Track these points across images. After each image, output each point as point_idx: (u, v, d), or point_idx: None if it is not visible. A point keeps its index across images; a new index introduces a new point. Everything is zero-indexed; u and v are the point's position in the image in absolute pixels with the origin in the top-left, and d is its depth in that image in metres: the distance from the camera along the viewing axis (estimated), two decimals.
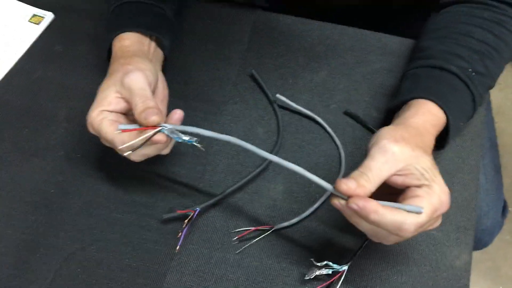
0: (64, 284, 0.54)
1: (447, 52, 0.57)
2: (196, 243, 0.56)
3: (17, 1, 0.76)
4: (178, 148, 0.61)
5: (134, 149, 0.49)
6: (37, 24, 0.73)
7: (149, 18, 0.62)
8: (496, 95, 1.52)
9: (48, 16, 0.74)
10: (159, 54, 0.63)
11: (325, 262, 0.51)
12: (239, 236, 0.56)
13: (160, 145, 0.51)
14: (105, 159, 0.61)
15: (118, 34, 0.59)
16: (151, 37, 0.61)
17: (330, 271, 0.51)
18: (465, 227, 0.56)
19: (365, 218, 0.44)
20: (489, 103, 0.78)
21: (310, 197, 0.58)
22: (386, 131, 0.49)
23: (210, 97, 0.66)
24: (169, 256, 0.55)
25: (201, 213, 0.57)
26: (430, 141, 0.51)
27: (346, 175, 0.47)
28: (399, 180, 0.47)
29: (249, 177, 0.59)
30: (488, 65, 0.57)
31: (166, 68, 0.64)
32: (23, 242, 0.56)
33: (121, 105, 0.52)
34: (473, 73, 0.56)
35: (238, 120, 0.64)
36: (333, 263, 0.51)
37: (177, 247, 0.55)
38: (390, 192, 0.48)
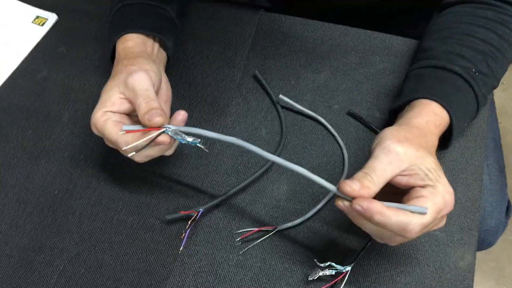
0: (68, 285, 0.54)
1: (450, 52, 0.57)
2: (199, 244, 0.56)
3: (21, 3, 0.76)
4: (182, 149, 0.61)
5: (138, 150, 0.49)
6: (41, 25, 0.73)
7: (152, 20, 0.62)
8: (499, 95, 1.51)
9: (52, 18, 0.74)
10: (163, 55, 0.63)
11: (329, 263, 0.51)
12: (242, 236, 0.56)
13: (164, 146, 0.51)
14: (109, 160, 0.61)
15: (122, 35, 0.59)
16: (154, 39, 0.61)
17: (333, 272, 0.51)
18: (469, 228, 0.56)
19: (370, 219, 0.44)
20: (492, 103, 0.78)
21: (313, 197, 0.58)
22: (389, 131, 0.49)
23: (213, 98, 0.66)
24: (173, 256, 0.55)
25: (204, 214, 0.57)
26: (434, 142, 0.51)
27: (350, 175, 0.47)
28: (403, 181, 0.47)
29: (252, 177, 0.59)
30: (491, 65, 0.57)
31: (170, 70, 0.65)
32: (27, 243, 0.56)
33: (125, 106, 0.52)
34: (477, 73, 0.56)
35: (241, 121, 0.64)
36: (337, 263, 0.51)
37: (181, 248, 0.55)
38: (394, 192, 0.48)
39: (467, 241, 0.56)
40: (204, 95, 0.66)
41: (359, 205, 0.43)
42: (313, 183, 0.46)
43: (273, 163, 0.60)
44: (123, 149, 0.50)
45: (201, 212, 0.56)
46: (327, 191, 0.48)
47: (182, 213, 0.56)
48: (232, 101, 0.66)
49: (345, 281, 0.52)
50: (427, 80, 0.57)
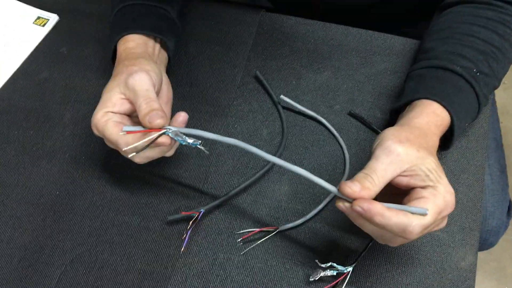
0: (69, 286, 0.54)
1: (451, 52, 0.57)
2: (200, 245, 0.56)
3: (22, 3, 0.76)
4: (182, 150, 0.61)
5: (138, 151, 0.49)
6: (42, 26, 0.73)
7: (153, 20, 0.62)
8: (501, 95, 1.51)
9: (53, 18, 0.74)
10: (164, 56, 0.63)
11: (330, 264, 0.51)
12: (244, 237, 0.56)
13: (164, 147, 0.51)
14: (110, 161, 0.61)
15: (123, 36, 0.59)
16: (155, 39, 0.61)
17: (335, 273, 0.51)
18: (470, 228, 0.56)
19: (370, 220, 0.44)
20: (493, 103, 0.78)
21: (314, 198, 0.58)
22: (390, 132, 0.49)
23: (214, 99, 0.66)
24: (174, 257, 0.55)
25: (205, 214, 0.57)
26: (435, 142, 0.51)
27: (351, 176, 0.47)
28: (404, 181, 0.47)
29: (253, 178, 0.59)
30: (492, 66, 0.56)
31: (172, 71, 0.65)
32: (29, 244, 0.56)
33: (126, 107, 0.52)
34: (478, 73, 0.55)
35: (242, 121, 0.64)
36: (338, 264, 0.51)
37: (182, 249, 0.55)
38: (394, 192, 0.48)
39: (469, 241, 0.55)
40: (205, 96, 0.66)
41: (359, 206, 0.43)
42: (315, 183, 0.46)
43: (274, 164, 0.60)
44: (123, 150, 0.50)
45: (202, 212, 0.56)
46: (329, 192, 0.48)
47: (184, 214, 0.56)
48: (233, 101, 0.66)
49: (346, 281, 0.52)
50: (428, 80, 0.57)
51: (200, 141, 0.49)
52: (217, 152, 0.62)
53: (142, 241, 0.56)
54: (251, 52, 0.70)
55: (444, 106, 0.53)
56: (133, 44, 0.58)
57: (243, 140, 0.48)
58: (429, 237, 0.56)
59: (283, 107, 0.65)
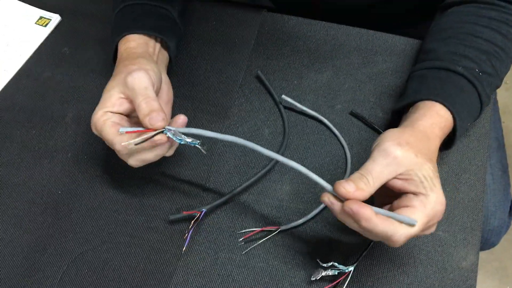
0: (72, 285, 0.54)
1: (453, 53, 0.57)
2: (202, 244, 0.56)
3: (24, 3, 0.76)
4: (184, 150, 0.61)
5: (133, 150, 0.49)
6: (44, 26, 0.74)
7: (154, 20, 0.62)
8: (502, 95, 1.51)
9: (55, 19, 0.74)
10: (165, 56, 0.63)
11: (331, 263, 0.51)
12: (245, 236, 0.56)
13: (160, 150, 0.51)
14: (112, 160, 0.61)
15: (124, 36, 0.59)
16: (156, 39, 0.61)
17: (336, 272, 0.51)
18: (472, 228, 0.56)
19: (357, 222, 0.44)
20: (495, 102, 0.78)
21: (316, 197, 0.58)
22: (391, 133, 0.49)
23: (216, 99, 0.66)
24: (176, 256, 0.55)
25: (207, 214, 0.57)
26: (436, 146, 0.51)
27: None
28: (397, 184, 0.47)
29: (255, 178, 0.59)
30: (495, 65, 0.56)
31: (173, 71, 0.65)
32: (31, 243, 0.57)
33: (125, 106, 0.52)
34: (480, 73, 0.55)
35: (244, 121, 0.64)
36: (339, 264, 0.51)
37: (184, 248, 0.55)
38: (387, 194, 0.48)
39: (470, 241, 0.55)
40: (207, 96, 0.66)
41: (349, 207, 0.44)
42: (316, 183, 0.46)
43: (276, 162, 0.60)
44: (117, 148, 0.50)
45: (204, 212, 0.56)
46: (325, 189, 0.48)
47: (185, 213, 0.56)
48: (235, 101, 0.66)
49: (347, 281, 0.52)
50: (430, 81, 0.57)
51: (198, 141, 0.49)
52: (219, 152, 0.62)
53: (144, 240, 0.56)
54: (252, 52, 0.70)
55: (447, 107, 0.53)
56: (134, 44, 0.59)
57: (242, 138, 0.48)
58: (430, 237, 0.56)
59: (285, 107, 0.65)
